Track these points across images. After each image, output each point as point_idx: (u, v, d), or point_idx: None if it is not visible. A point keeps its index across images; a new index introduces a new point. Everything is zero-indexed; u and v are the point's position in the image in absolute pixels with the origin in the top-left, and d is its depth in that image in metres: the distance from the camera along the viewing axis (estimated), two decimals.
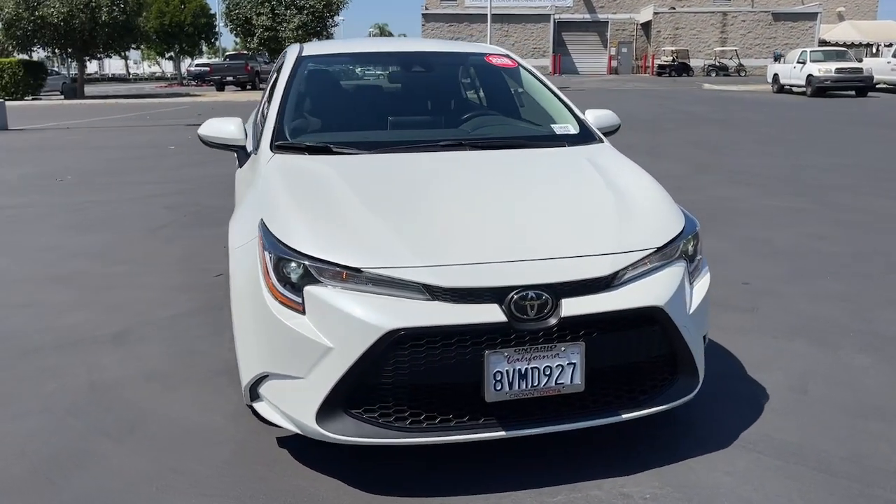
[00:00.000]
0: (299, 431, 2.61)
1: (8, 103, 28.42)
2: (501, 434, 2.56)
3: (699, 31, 48.79)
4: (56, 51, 37.82)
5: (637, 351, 2.69)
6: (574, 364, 2.54)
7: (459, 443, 2.59)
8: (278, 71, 4.21)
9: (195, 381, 3.52)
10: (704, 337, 3.03)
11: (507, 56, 4.37)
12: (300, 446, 2.86)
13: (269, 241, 2.69)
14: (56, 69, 50.88)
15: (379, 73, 4.49)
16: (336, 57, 4.44)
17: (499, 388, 2.49)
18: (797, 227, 6.68)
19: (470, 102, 4.23)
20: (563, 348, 2.52)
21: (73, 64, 39.39)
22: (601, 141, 3.77)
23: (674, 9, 49.15)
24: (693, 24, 48.78)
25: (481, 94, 4.45)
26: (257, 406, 2.72)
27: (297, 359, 2.53)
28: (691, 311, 2.78)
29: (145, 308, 4.56)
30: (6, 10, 32.85)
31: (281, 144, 3.44)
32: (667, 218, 2.96)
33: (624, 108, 21.35)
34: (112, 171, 10.53)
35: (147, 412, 3.23)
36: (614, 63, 50.16)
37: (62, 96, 35.66)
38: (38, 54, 43.47)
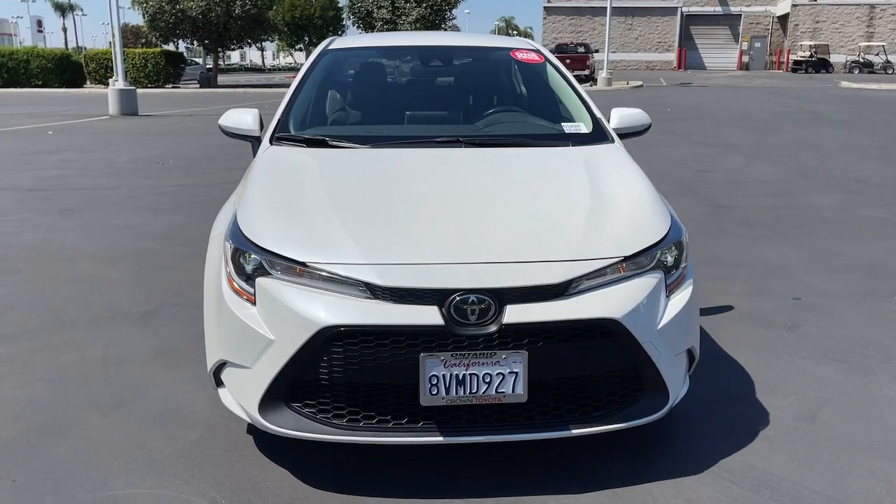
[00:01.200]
0: (249, 420, 2.66)
1: (147, 90, 30.65)
2: (439, 439, 2.51)
3: (842, 25, 45.66)
4: (194, 42, 40.23)
5: (591, 364, 2.56)
6: (516, 373, 2.45)
7: (397, 445, 2.56)
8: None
9: (198, 363, 3.64)
10: (691, 353, 2.85)
11: (534, 51, 4.26)
12: (265, 436, 2.91)
13: (233, 230, 2.76)
14: (196, 60, 54.13)
15: (401, 67, 4.48)
16: (360, 50, 4.47)
17: (434, 392, 2.43)
18: (884, 242, 6.14)
19: (490, 98, 4.15)
20: (503, 356, 2.43)
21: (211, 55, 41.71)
22: (612, 141, 3.60)
23: (815, 1, 46.18)
24: (836, 18, 45.71)
25: (504, 89, 4.34)
26: (220, 392, 2.80)
27: (244, 349, 2.57)
28: (661, 325, 2.61)
29: (184, 289, 4.78)
30: (150, 3, 35.24)
31: (281, 136, 3.51)
32: (645, 226, 2.79)
33: (742, 107, 20.39)
34: (212, 157, 11.09)
35: (141, 389, 3.39)
36: (745, 58, 47.77)
37: (198, 85, 37.87)
38: (179, 46, 46.34)
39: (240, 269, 2.65)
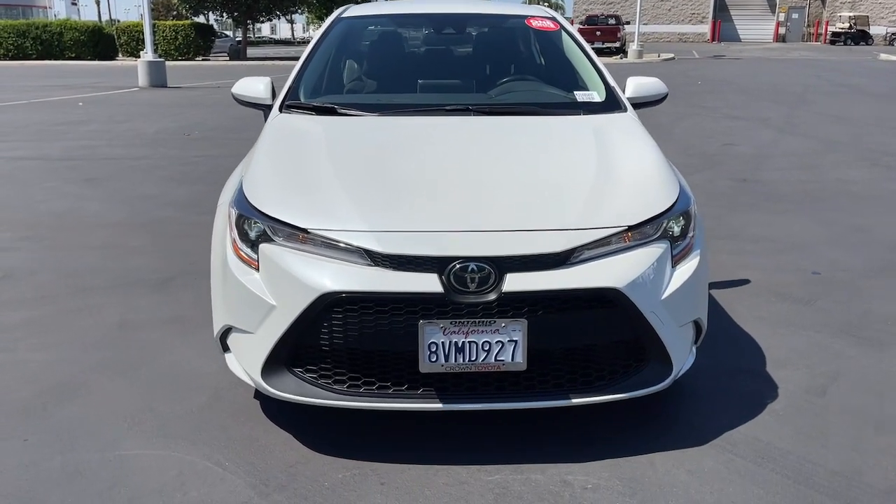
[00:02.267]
0: (254, 385, 2.69)
1: (177, 63, 30.83)
2: (438, 406, 2.52)
3: None
4: (223, 14, 40.30)
5: (592, 334, 2.55)
6: (515, 341, 2.44)
7: (396, 411, 2.58)
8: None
9: (210, 329, 3.69)
10: (698, 324, 2.82)
11: (550, 19, 4.19)
12: (271, 401, 2.94)
13: (238, 197, 2.78)
14: (226, 33, 54.27)
15: (415, 34, 4.43)
16: (373, 18, 4.43)
17: (434, 359, 2.44)
18: None
19: (504, 66, 4.10)
20: (503, 324, 2.43)
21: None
22: (625, 110, 3.55)
23: None
24: None
25: (518, 58, 4.29)
26: (227, 358, 2.83)
27: (248, 314, 2.60)
28: (665, 296, 2.58)
29: (201, 258, 4.80)
30: None
31: (291, 104, 3.52)
32: (652, 195, 2.75)
33: (775, 80, 19.96)
34: (237, 128, 11.14)
35: (154, 354, 3.45)
36: (782, 30, 46.63)
37: (228, 58, 37.99)
38: (209, 18, 46.44)
39: (244, 236, 2.67)
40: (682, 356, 2.72)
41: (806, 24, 47.04)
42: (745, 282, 4.46)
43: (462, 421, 2.82)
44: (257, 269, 2.60)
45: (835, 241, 5.34)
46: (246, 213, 2.67)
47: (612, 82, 3.73)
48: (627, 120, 3.44)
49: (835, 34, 42.69)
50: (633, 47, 31.36)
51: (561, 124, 3.34)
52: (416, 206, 2.62)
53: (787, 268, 4.73)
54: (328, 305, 2.43)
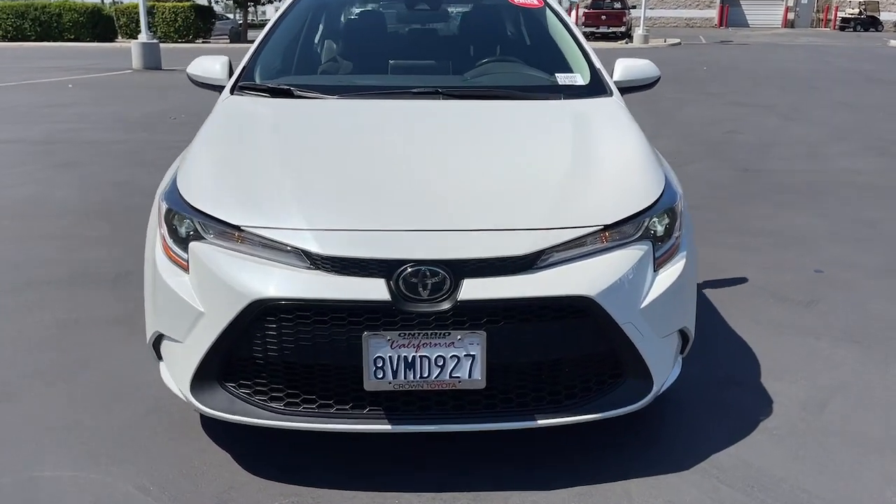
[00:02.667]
0: (183, 398, 2.42)
1: (176, 45, 30.43)
2: (386, 428, 2.24)
3: None
4: None
5: (561, 347, 2.26)
6: (473, 356, 2.16)
7: (340, 433, 2.30)
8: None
9: None
10: (684, 333, 2.54)
11: None
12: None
13: (170, 189, 2.50)
14: (228, 15, 53.73)
15: (389, 11, 4.11)
16: None
17: (380, 375, 2.16)
18: None
19: (483, 46, 3.78)
20: (458, 337, 2.14)
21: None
22: (610, 95, 3.24)
23: None
24: None
25: (499, 37, 3.97)
26: (161, 367, 2.56)
27: (177, 321, 2.32)
28: (645, 304, 2.29)
29: None
30: None
31: (244, 86, 3.22)
32: (633, 190, 2.46)
33: (783, 66, 19.54)
34: None
35: (93, 359, 3.17)
36: (791, 15, 45.96)
37: (228, 40, 37.54)
38: (210, 0, 45.94)
39: (174, 233, 2.38)
40: (665, 370, 2.43)
41: (815, 10, 46.36)
42: (743, 280, 4.16)
43: (419, 441, 2.54)
44: (187, 271, 2.32)
45: (839, 236, 5.03)
46: (176, 207, 2.39)
47: (597, 64, 3.42)
48: (612, 105, 3.13)
49: (844, 20, 42.02)
50: (638, 32, 30.84)
51: (537, 110, 3.04)
52: (364, 202, 2.32)
53: (788, 265, 4.43)
54: (260, 314, 2.15)
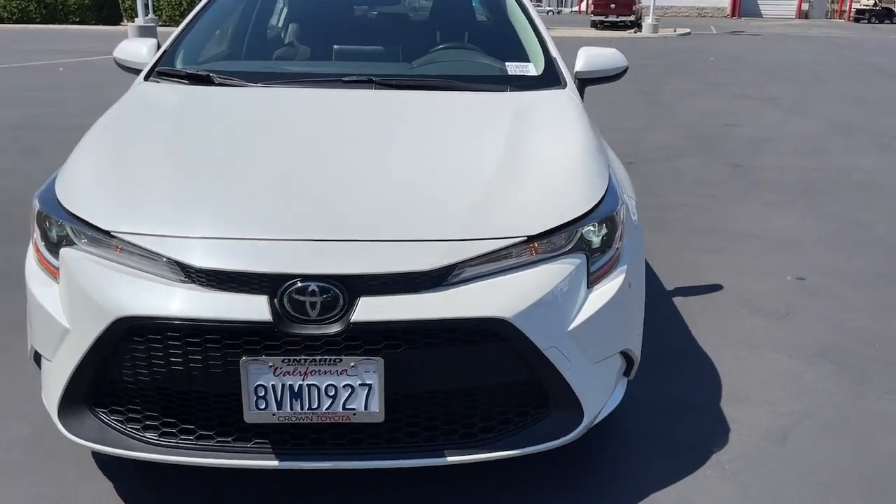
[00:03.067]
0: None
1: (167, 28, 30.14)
2: (273, 464, 1.98)
3: None
4: None
5: (474, 375, 1.99)
6: (369, 386, 1.89)
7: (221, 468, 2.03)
8: None
9: None
10: (628, 357, 2.27)
11: None
12: None
13: (46, 188, 2.24)
14: None
15: None
16: None
17: (262, 406, 1.89)
18: None
19: (438, 32, 3.49)
20: (352, 363, 1.88)
21: None
22: (563, 86, 2.95)
23: None
24: None
25: (453, 22, 3.68)
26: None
27: (46, 336, 2.07)
28: (575, 325, 2.02)
29: None
30: None
31: (162, 71, 2.94)
32: (567, 196, 2.17)
33: (793, 58, 19.08)
34: None
35: None
36: (805, 6, 45.14)
37: None
38: None
39: (45, 237, 2.12)
40: (599, 398, 2.16)
41: (830, 1, 45.54)
42: (717, 288, 3.87)
43: (310, 479, 2.27)
44: (58, 280, 2.06)
45: (829, 239, 4.73)
46: (47, 208, 2.13)
47: (553, 53, 3.13)
48: (563, 99, 2.83)
49: (859, 11, 41.20)
50: (647, 21, 30.32)
51: (477, 103, 2.74)
52: (253, 207, 2.05)
53: (768, 271, 4.14)
54: (126, 333, 1.89)
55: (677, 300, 3.69)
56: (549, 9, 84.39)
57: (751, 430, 2.57)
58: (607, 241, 2.18)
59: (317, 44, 3.38)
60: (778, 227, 4.94)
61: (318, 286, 1.85)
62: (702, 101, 10.99)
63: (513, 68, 3.02)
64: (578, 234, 2.11)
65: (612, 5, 32.68)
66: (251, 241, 1.92)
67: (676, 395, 2.79)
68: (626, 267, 2.21)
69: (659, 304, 3.63)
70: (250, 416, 1.90)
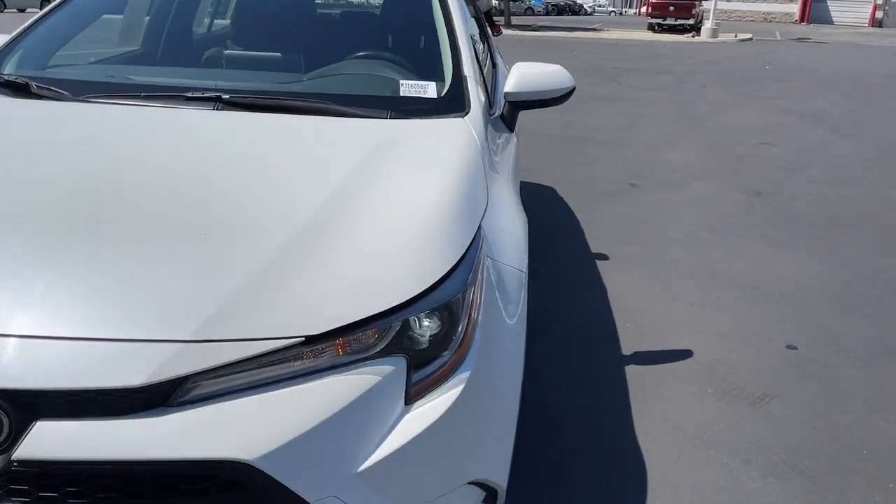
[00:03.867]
0: None
1: None
2: None
3: None
4: None
5: None
6: None
7: None
8: None
9: None
10: (487, 487, 1.70)
11: None
12: None
13: None
14: None
15: None
16: None
17: None
18: None
19: (350, 38, 2.90)
20: None
21: None
22: (463, 114, 2.34)
23: None
24: None
25: (366, 26, 3.09)
26: None
27: None
28: (375, 461, 1.44)
29: None
30: None
31: None
32: (387, 275, 1.57)
33: (856, 69, 17.89)
34: None
35: None
36: (879, 14, 43.00)
37: None
38: None
39: None
40: None
41: None
42: (684, 355, 3.22)
43: None
44: None
45: (840, 295, 4.00)
46: None
47: (465, 70, 2.52)
48: (452, 132, 2.21)
49: None
50: (707, 25, 29.12)
51: (334, 135, 2.13)
52: None
53: (754, 334, 3.46)
54: None
55: (630, 369, 3.05)
56: (612, 9, 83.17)
57: None
58: (444, 338, 1.59)
59: (190, 48, 2.85)
60: (782, 275, 4.23)
61: None
62: (739, 114, 10.15)
63: (407, 88, 2.42)
64: (392, 330, 1.52)
65: (671, 7, 31.54)
66: None
67: None
68: (469, 373, 1.61)
69: (606, 372, 3.00)
70: None
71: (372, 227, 1.68)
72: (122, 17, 3.39)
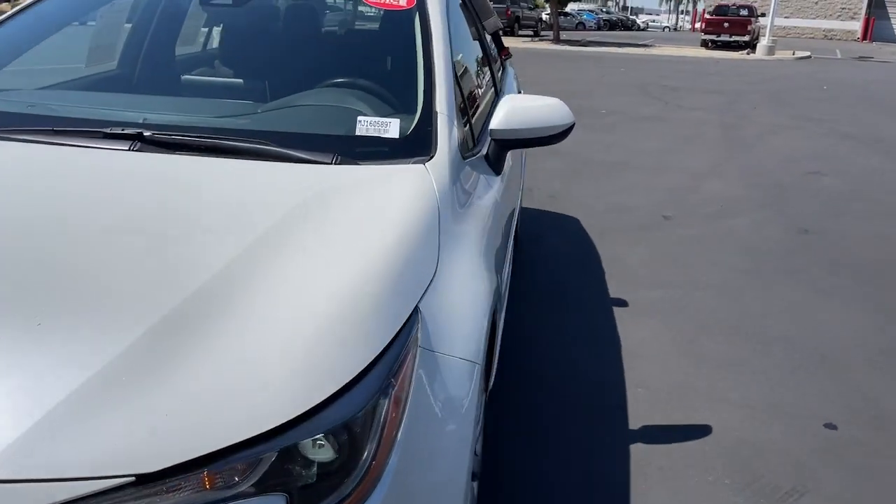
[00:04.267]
0: None
1: None
2: None
3: None
4: None
5: None
6: None
7: None
8: None
9: None
10: None
11: None
12: None
13: None
14: None
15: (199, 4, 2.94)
16: None
17: None
18: None
19: (317, 66, 2.56)
20: None
21: None
22: (427, 157, 1.96)
23: None
24: None
25: (339, 50, 2.74)
26: None
27: None
28: None
29: None
30: None
31: None
32: (263, 387, 1.21)
33: None
34: None
35: None
36: None
37: None
38: None
39: None
40: None
41: None
42: (704, 431, 2.78)
43: None
44: None
45: (892, 355, 3.50)
46: None
47: (438, 105, 2.14)
48: (406, 181, 1.83)
49: None
50: (763, 42, 28.22)
51: (255, 188, 1.77)
52: None
53: (788, 407, 2.99)
54: None
55: (635, 448, 2.63)
56: (665, 25, 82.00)
57: None
58: (339, 470, 1.22)
59: (156, 67, 2.54)
60: (824, 332, 3.74)
61: None
62: (790, 138, 9.56)
63: (365, 126, 2.06)
64: (266, 462, 1.16)
65: (726, 24, 30.77)
66: None
67: None
68: None
69: (604, 451, 2.59)
70: None
71: (258, 318, 1.32)
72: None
